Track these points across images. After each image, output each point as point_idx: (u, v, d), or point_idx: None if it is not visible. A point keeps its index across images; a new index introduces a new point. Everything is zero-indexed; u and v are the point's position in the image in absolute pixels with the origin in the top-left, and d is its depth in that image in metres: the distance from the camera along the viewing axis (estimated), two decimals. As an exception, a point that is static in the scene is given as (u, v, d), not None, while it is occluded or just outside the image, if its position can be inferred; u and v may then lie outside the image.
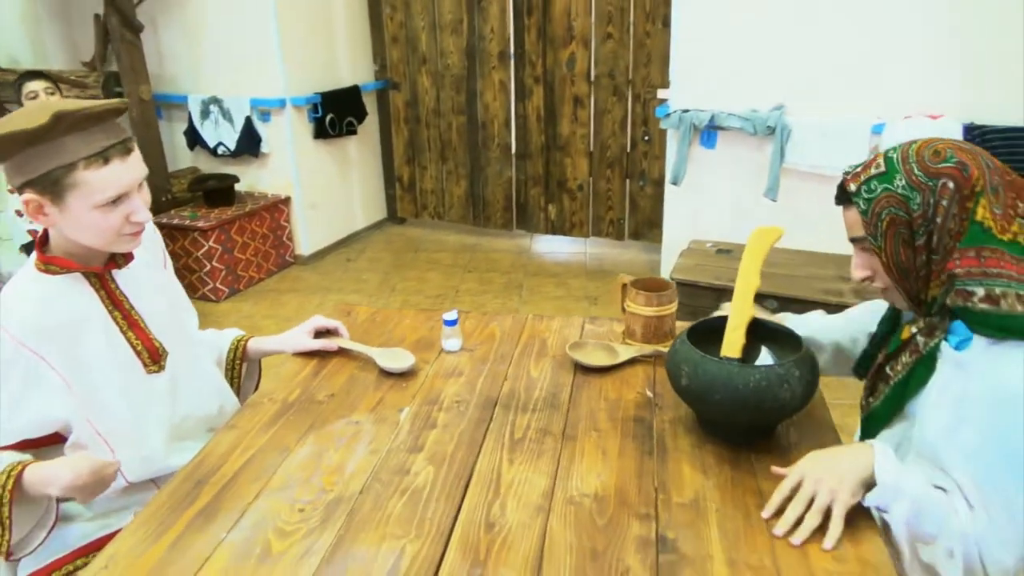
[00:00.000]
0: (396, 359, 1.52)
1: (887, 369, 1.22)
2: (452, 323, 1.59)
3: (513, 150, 4.62)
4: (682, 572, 0.99)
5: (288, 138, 4.21)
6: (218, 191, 4.07)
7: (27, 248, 3.10)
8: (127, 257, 1.33)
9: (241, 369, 1.63)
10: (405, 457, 1.26)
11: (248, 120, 4.18)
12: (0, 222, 3.23)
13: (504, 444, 1.29)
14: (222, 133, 4.29)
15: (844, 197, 1.17)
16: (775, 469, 1.13)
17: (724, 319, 1.32)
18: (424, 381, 1.50)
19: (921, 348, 1.15)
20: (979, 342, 1.06)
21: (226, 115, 4.24)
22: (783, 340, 1.33)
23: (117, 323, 1.32)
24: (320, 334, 1.63)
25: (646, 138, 4.26)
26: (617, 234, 4.52)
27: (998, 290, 1.03)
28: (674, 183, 3.49)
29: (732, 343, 1.29)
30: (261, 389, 1.48)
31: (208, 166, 4.44)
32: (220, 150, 4.32)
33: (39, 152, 1.15)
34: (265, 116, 4.20)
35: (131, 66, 3.85)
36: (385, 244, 4.82)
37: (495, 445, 1.28)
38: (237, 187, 4.22)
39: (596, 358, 1.52)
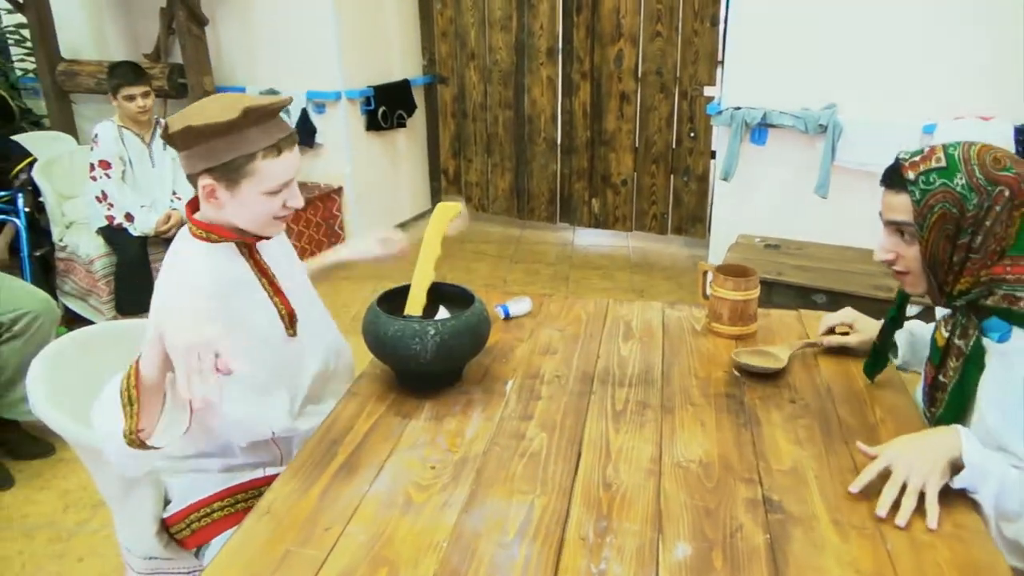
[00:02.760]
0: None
1: (940, 377, 1.28)
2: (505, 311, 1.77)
3: (559, 144, 4.71)
4: (793, 530, 1.09)
5: (342, 130, 4.33)
6: (275, 180, 4.19)
7: (103, 231, 3.24)
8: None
9: None
10: (518, 424, 1.36)
11: (304, 112, 4.30)
12: (79, 206, 3.38)
13: (607, 414, 1.39)
14: (277, 124, 4.41)
15: (896, 181, 1.21)
16: (860, 446, 1.20)
17: (408, 287, 1.53)
18: (523, 357, 1.60)
19: (965, 349, 1.21)
20: (1019, 333, 1.14)
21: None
22: (452, 298, 1.56)
23: (265, 289, 1.44)
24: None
25: (692, 134, 4.34)
26: (660, 229, 4.60)
27: None
28: (724, 179, 3.57)
29: (414, 302, 1.50)
30: (373, 359, 1.57)
31: None
32: (275, 141, 4.44)
33: (226, 142, 1.26)
34: (320, 108, 4.32)
35: (196, 58, 3.99)
36: (431, 235, 4.93)
37: (599, 415, 1.38)
38: (292, 177, 4.35)
39: (761, 361, 1.52)
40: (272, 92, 4.34)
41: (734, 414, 1.38)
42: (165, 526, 1.47)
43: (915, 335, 1.52)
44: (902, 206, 1.20)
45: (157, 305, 1.34)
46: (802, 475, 1.21)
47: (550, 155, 4.76)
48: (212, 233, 1.37)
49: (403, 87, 4.62)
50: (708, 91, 4.17)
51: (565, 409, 1.40)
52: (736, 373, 1.51)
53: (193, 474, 1.50)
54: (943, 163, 1.16)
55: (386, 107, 4.47)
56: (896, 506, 1.10)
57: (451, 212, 1.60)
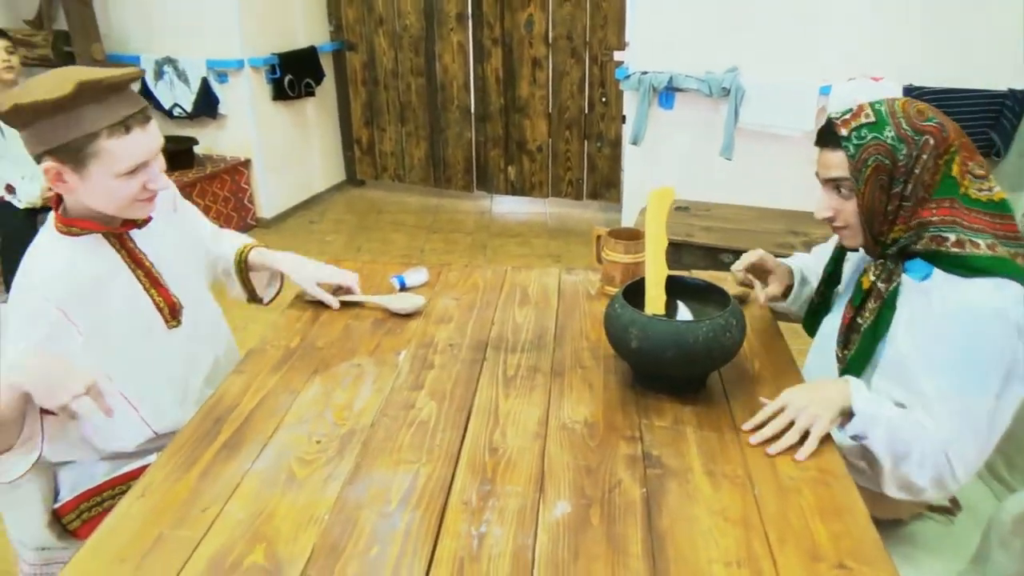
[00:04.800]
0: (407, 301, 1.64)
1: (857, 319, 1.33)
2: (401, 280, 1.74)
3: (472, 112, 4.67)
4: (668, 482, 1.13)
5: (247, 99, 4.18)
6: (177, 153, 4.03)
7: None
8: (145, 218, 1.38)
9: (248, 276, 1.67)
10: (408, 394, 1.36)
11: (205, 81, 4.13)
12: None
13: (498, 381, 1.40)
14: (177, 94, 4.22)
15: (830, 139, 1.25)
16: (763, 400, 1.25)
17: (641, 280, 1.41)
18: (417, 327, 1.59)
19: (884, 293, 1.28)
20: (939, 274, 1.22)
21: (181, 76, 4.17)
22: (691, 291, 1.44)
23: (140, 281, 1.37)
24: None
25: (603, 100, 4.36)
26: (576, 194, 4.64)
27: (962, 237, 1.19)
28: (634, 143, 3.61)
29: (655, 301, 1.38)
30: (263, 336, 1.54)
31: (163, 128, 4.28)
32: (176, 112, 4.26)
33: (61, 121, 1.17)
34: (222, 77, 4.15)
35: (82, 25, 3.76)
36: (346, 206, 4.84)
37: (490, 382, 1.39)
38: (195, 149, 4.18)
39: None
40: (169, 61, 4.15)
41: (621, 374, 1.41)
42: (57, 516, 1.43)
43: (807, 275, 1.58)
44: (838, 162, 1.24)
45: (9, 314, 1.26)
46: (681, 430, 1.25)
47: (464, 123, 4.72)
48: (74, 227, 1.30)
49: (310, 54, 4.48)
50: (617, 56, 4.19)
51: (456, 377, 1.41)
52: None
53: (81, 463, 1.45)
54: (872, 118, 1.22)
55: (292, 75, 4.33)
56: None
57: (669, 198, 1.45)
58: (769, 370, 1.41)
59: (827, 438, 1.20)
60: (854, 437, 1.20)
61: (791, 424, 1.19)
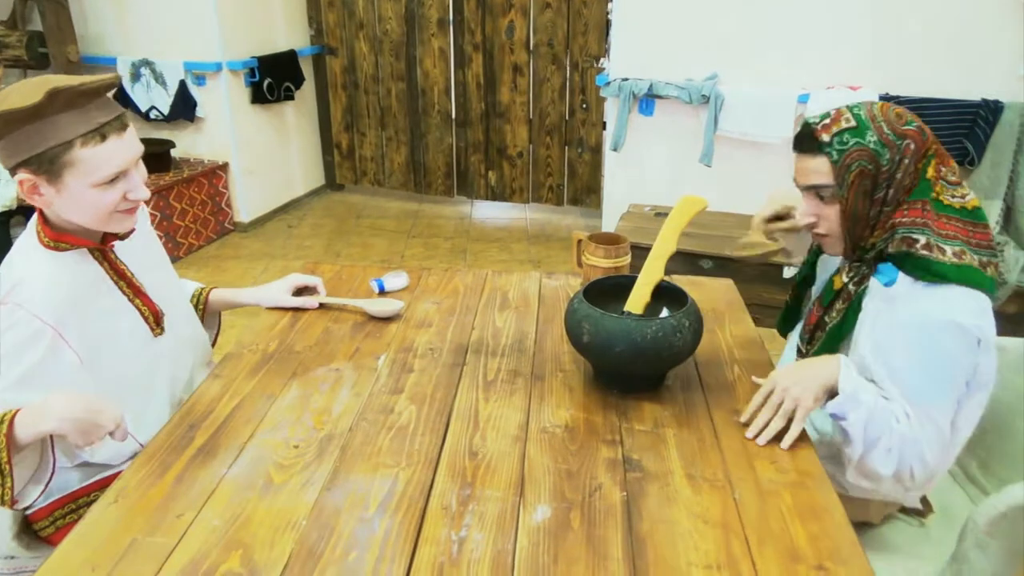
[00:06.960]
0: (385, 305, 1.62)
1: (824, 318, 1.35)
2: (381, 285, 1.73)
3: (453, 117, 4.66)
4: (648, 486, 1.12)
5: (225, 103, 4.14)
6: (153, 156, 3.97)
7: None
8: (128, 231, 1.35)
9: (203, 320, 1.67)
10: (387, 398, 1.34)
11: (182, 83, 4.09)
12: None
13: (479, 385, 1.39)
14: (154, 97, 4.18)
15: (810, 146, 1.24)
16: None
17: (614, 279, 1.47)
18: (397, 331, 1.58)
19: (852, 295, 1.29)
20: (904, 280, 1.22)
21: (158, 78, 4.13)
22: (678, 298, 1.41)
23: (124, 292, 1.34)
24: (299, 292, 1.69)
25: (584, 106, 4.38)
26: (556, 200, 4.64)
27: (932, 240, 1.20)
28: (614, 149, 3.62)
29: (637, 300, 1.39)
30: (240, 341, 1.53)
31: (140, 131, 4.24)
32: (152, 114, 4.21)
33: (34, 130, 1.13)
34: (200, 80, 4.11)
35: (57, 25, 3.71)
36: (326, 211, 4.81)
37: (470, 386, 1.39)
38: (172, 153, 4.14)
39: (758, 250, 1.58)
40: (146, 63, 4.10)
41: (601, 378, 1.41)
42: (28, 524, 1.39)
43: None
44: (820, 169, 1.23)
45: None
46: (662, 434, 1.25)
47: (445, 128, 4.71)
48: (63, 242, 1.25)
49: (290, 58, 4.46)
50: (599, 62, 4.22)
51: (437, 381, 1.40)
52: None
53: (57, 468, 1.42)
54: (853, 123, 1.21)
55: (272, 79, 4.30)
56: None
57: (697, 206, 1.43)
58: (748, 375, 1.41)
59: (804, 439, 1.20)
60: (833, 415, 1.20)
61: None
